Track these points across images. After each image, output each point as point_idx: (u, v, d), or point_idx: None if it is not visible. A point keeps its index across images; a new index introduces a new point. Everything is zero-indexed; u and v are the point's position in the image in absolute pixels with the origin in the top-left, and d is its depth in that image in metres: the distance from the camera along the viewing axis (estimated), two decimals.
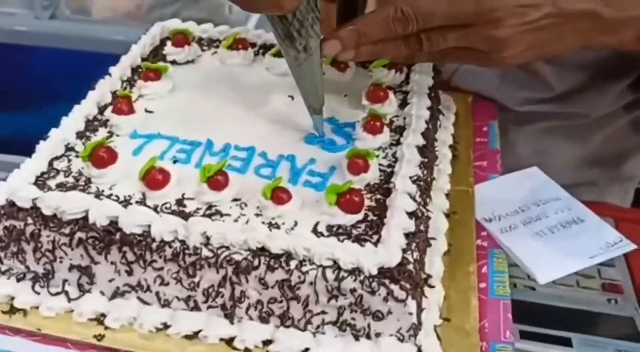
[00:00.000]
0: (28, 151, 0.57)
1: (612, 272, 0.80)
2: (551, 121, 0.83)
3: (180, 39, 0.70)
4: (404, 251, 0.47)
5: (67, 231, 0.49)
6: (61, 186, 0.52)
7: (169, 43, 0.71)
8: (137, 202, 0.51)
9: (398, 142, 0.59)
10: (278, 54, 0.69)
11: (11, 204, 0.50)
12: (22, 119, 1.60)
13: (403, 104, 0.64)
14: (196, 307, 0.50)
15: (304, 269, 0.46)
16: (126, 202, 0.51)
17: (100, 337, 0.50)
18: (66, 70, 1.51)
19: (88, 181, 0.53)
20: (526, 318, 0.74)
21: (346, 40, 0.56)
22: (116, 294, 0.51)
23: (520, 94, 0.81)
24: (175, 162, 0.56)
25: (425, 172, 0.56)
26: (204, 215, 0.50)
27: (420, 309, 0.49)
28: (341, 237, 0.48)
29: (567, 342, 0.70)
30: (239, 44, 0.70)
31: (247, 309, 0.49)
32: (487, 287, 0.55)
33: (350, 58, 0.58)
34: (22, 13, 1.55)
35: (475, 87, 0.80)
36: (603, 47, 0.64)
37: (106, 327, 0.50)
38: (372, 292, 0.46)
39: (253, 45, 0.72)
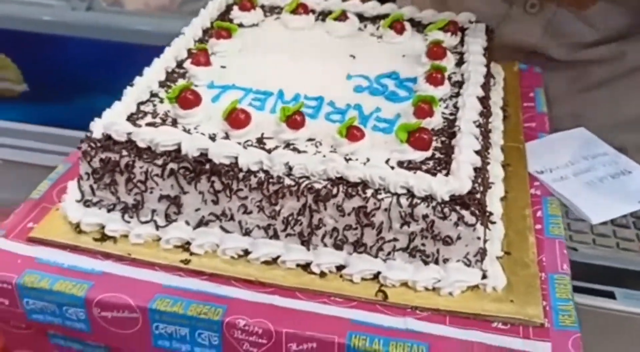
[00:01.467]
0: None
1: None
2: (591, 76, 0.84)
3: (246, 3, 0.75)
4: (473, 181, 0.51)
5: (160, 162, 0.53)
6: (151, 125, 0.56)
7: (235, 8, 0.75)
8: (222, 139, 0.55)
9: (457, 95, 0.62)
10: (338, 18, 0.73)
11: (107, 137, 0.55)
12: (59, 107, 1.65)
13: (460, 62, 0.68)
14: (275, 236, 0.54)
15: (379, 196, 0.50)
16: (213, 139, 0.55)
17: (186, 261, 0.54)
18: (101, 60, 1.56)
19: (174, 121, 0.57)
20: (571, 275, 0.77)
21: None
22: (201, 223, 0.55)
23: (562, 40, 0.83)
24: (252, 107, 0.60)
25: (484, 121, 0.60)
26: (283, 150, 0.54)
27: (485, 239, 0.52)
28: (412, 171, 0.52)
29: (610, 295, 0.74)
30: (300, 8, 0.75)
31: (323, 236, 0.53)
32: (543, 228, 0.59)
33: None
34: (59, 4, 1.60)
35: (519, 38, 0.82)
36: None
37: (191, 253, 0.55)
38: (444, 218, 0.49)
39: (313, 11, 0.77)
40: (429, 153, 0.54)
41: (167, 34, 0.72)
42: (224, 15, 0.76)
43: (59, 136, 1.34)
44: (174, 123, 0.57)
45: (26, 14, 1.54)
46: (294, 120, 0.55)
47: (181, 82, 0.63)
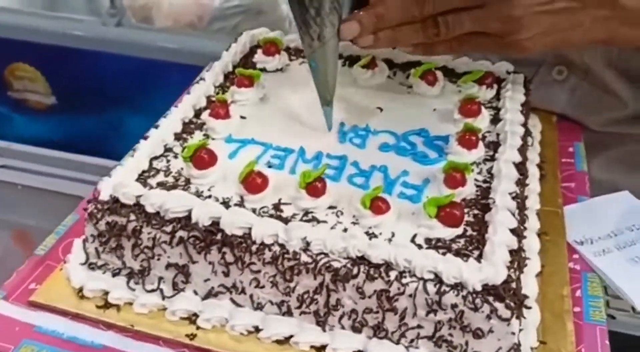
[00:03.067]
0: (91, 151, 0.58)
1: None
2: (625, 146, 0.81)
3: (270, 47, 0.71)
4: (508, 268, 0.46)
5: (169, 229, 0.50)
6: (162, 185, 0.53)
7: (259, 51, 0.72)
8: (235, 204, 0.51)
9: (492, 158, 0.58)
10: (366, 66, 0.69)
11: (115, 200, 0.51)
12: (86, 120, 1.65)
13: (495, 120, 0.63)
14: (289, 312, 0.50)
15: (404, 280, 0.46)
16: (226, 204, 0.51)
17: (192, 336, 0.50)
18: (128, 76, 1.55)
19: (187, 181, 0.54)
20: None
21: (364, 23, 0.56)
22: (210, 294, 0.51)
23: (593, 112, 0.79)
24: (270, 167, 0.56)
25: (521, 189, 0.55)
26: (301, 220, 0.50)
27: (520, 331, 0.47)
28: (441, 251, 0.48)
29: None
30: None
31: (341, 317, 0.49)
32: (582, 311, 0.53)
33: (370, 43, 0.58)
34: (90, 20, 1.60)
35: (545, 104, 0.78)
36: (628, 43, 0.62)
37: (198, 327, 0.51)
38: (475, 309, 0.45)
39: (341, 56, 0.73)
40: (459, 230, 0.49)
41: (195, 51, 0.70)
42: (248, 57, 0.73)
43: (82, 163, 1.32)
44: (187, 183, 0.54)
45: (57, 29, 1.55)
46: (315, 187, 0.51)
47: (198, 134, 0.60)
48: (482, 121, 0.62)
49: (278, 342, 0.50)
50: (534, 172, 0.66)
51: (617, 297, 0.58)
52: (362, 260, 0.47)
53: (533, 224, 0.59)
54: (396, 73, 0.71)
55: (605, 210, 0.64)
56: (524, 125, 0.62)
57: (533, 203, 0.62)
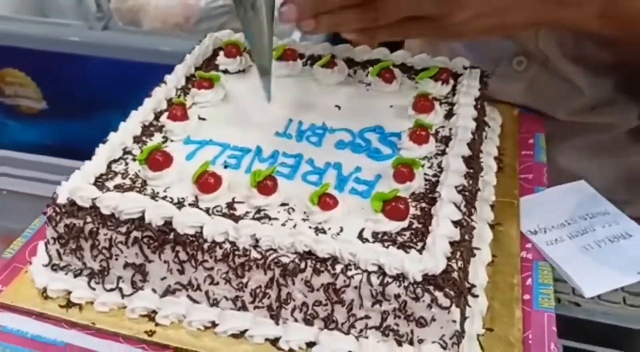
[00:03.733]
0: (80, 156, 0.60)
1: None
2: (589, 135, 0.82)
3: (232, 49, 0.73)
4: (449, 259, 0.48)
5: (123, 229, 0.51)
6: (119, 188, 0.55)
7: (221, 53, 0.73)
8: (190, 204, 0.53)
9: (444, 153, 0.59)
10: (326, 65, 0.71)
11: (72, 203, 0.53)
12: (74, 125, 1.67)
13: (449, 115, 0.65)
14: (243, 307, 0.52)
15: (349, 273, 0.48)
16: (180, 204, 0.53)
17: (151, 333, 0.52)
18: (117, 79, 1.57)
19: (144, 183, 0.55)
20: (570, 334, 0.73)
21: (303, 6, 0.58)
22: (167, 292, 0.53)
23: (553, 102, 0.80)
24: (226, 167, 0.58)
25: (470, 182, 0.56)
26: (253, 218, 0.52)
27: (463, 318, 0.49)
28: (386, 244, 0.49)
29: None
30: (288, 55, 0.72)
31: (293, 310, 0.50)
32: (532, 299, 0.55)
33: (311, 28, 0.59)
34: (77, 24, 1.61)
35: (506, 96, 0.79)
36: (561, 24, 0.64)
37: (157, 324, 0.52)
38: (416, 299, 0.46)
39: (301, 56, 0.74)
40: (405, 223, 0.51)
41: (182, 52, 0.72)
42: (210, 60, 0.74)
43: (64, 167, 1.33)
44: (144, 185, 0.55)
45: (45, 34, 1.56)
46: (265, 186, 0.53)
47: (157, 136, 0.61)
48: (436, 117, 0.63)
49: (234, 336, 0.51)
50: (490, 164, 0.67)
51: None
52: (309, 255, 0.49)
53: (486, 215, 0.61)
54: (356, 71, 0.72)
55: (561, 200, 0.66)
56: (477, 119, 0.64)
57: (488, 195, 0.63)
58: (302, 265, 0.48)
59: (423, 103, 0.63)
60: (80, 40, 1.56)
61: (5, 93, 1.71)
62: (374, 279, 0.47)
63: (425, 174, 0.57)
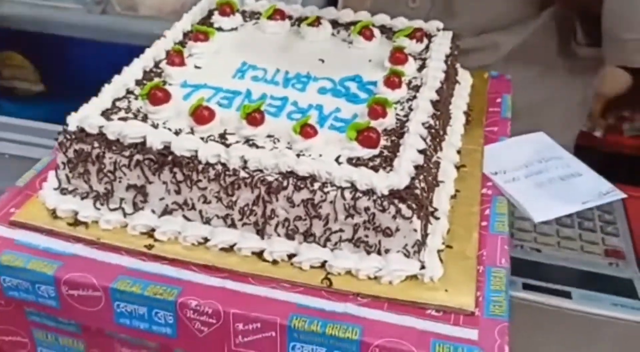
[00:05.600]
0: None
1: (615, 240, 0.87)
2: (473, 56, 0.87)
3: (226, 8, 0.79)
4: (412, 178, 0.54)
5: (127, 153, 0.58)
6: (122, 119, 0.61)
7: (216, 13, 0.80)
8: (186, 133, 0.59)
9: (414, 98, 0.66)
10: (312, 24, 0.78)
11: (81, 130, 0.59)
12: (71, 107, 1.72)
13: (421, 68, 0.72)
14: (232, 225, 0.58)
15: (325, 190, 0.54)
16: (177, 133, 0.59)
17: (150, 247, 0.58)
18: (115, 62, 1.62)
19: (145, 116, 0.62)
20: (531, 274, 0.81)
21: None
22: (165, 211, 0.59)
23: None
24: (219, 105, 0.64)
25: (437, 122, 0.63)
26: (242, 145, 0.58)
27: (425, 232, 0.56)
28: (359, 167, 0.56)
29: (567, 295, 0.77)
30: (277, 14, 0.79)
31: (276, 226, 0.57)
32: (488, 225, 0.62)
33: None
34: (75, 7, 1.65)
35: None
36: None
37: (155, 239, 0.59)
38: (383, 210, 0.53)
39: (290, 17, 0.81)
40: (376, 151, 0.58)
41: None
42: (206, 19, 0.81)
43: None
44: (145, 118, 0.62)
45: (43, 16, 1.60)
46: (254, 117, 0.59)
47: (157, 80, 0.68)
48: (409, 68, 0.70)
49: (224, 249, 0.58)
50: (459, 116, 0.75)
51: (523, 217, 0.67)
52: (291, 174, 0.55)
53: (452, 157, 0.68)
54: (339, 31, 0.79)
55: (521, 147, 0.73)
56: (447, 73, 0.71)
57: (455, 141, 0.71)
58: (285, 183, 0.55)
59: (398, 55, 0.70)
60: (78, 23, 1.61)
61: (2, 75, 1.75)
62: (347, 194, 0.54)
63: (397, 114, 0.64)
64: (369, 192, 0.54)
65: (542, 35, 0.88)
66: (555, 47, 0.86)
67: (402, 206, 0.53)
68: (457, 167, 0.68)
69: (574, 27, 0.83)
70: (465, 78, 0.82)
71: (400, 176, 0.54)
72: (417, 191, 0.54)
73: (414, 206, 0.53)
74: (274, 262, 0.57)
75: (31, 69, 1.71)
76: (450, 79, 0.72)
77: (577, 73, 0.90)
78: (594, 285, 0.79)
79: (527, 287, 0.77)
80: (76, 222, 0.60)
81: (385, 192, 0.53)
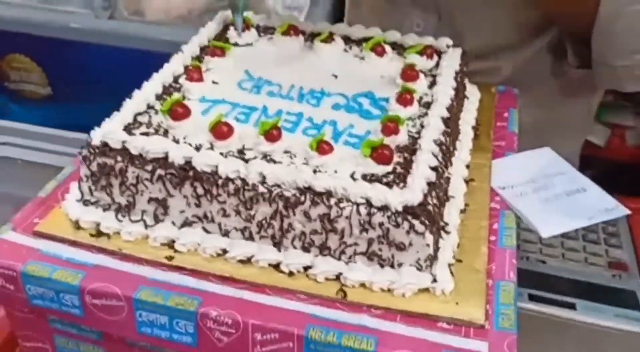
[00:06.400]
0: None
1: (618, 252, 0.89)
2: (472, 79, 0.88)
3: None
4: (425, 195, 0.56)
5: (149, 167, 0.60)
6: (144, 134, 0.63)
7: (231, 28, 0.82)
8: (206, 149, 0.62)
9: (426, 115, 0.68)
10: (325, 40, 0.80)
11: (104, 144, 0.61)
12: (78, 110, 1.74)
13: (432, 85, 0.74)
14: (250, 237, 0.60)
15: (341, 205, 0.56)
16: (197, 149, 0.61)
17: (170, 258, 0.60)
18: (122, 67, 1.64)
19: (165, 131, 0.64)
20: (536, 285, 0.83)
21: None
22: (185, 224, 0.62)
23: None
24: (237, 120, 0.66)
25: (447, 139, 0.65)
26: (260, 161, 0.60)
27: (436, 247, 0.58)
28: (373, 183, 0.58)
29: (571, 306, 0.79)
30: (291, 30, 0.81)
31: (293, 239, 0.59)
32: (497, 239, 0.64)
33: None
34: (84, 12, 1.68)
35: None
36: None
37: (175, 251, 0.61)
38: (397, 226, 0.55)
39: (303, 33, 0.83)
40: (390, 167, 0.60)
41: (185, 43, 0.80)
42: (222, 34, 0.83)
43: (73, 139, 1.42)
44: (166, 133, 0.64)
45: (52, 21, 1.63)
46: (271, 134, 0.62)
47: (176, 95, 0.70)
48: (420, 85, 0.72)
49: (241, 261, 0.60)
50: (467, 131, 0.77)
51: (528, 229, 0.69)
52: (308, 190, 0.57)
53: (462, 171, 0.70)
54: (352, 47, 0.81)
55: (527, 162, 0.75)
56: (456, 89, 0.73)
57: (464, 156, 0.73)
58: (302, 198, 0.57)
59: (409, 73, 0.72)
60: (86, 28, 1.63)
61: (10, 78, 1.78)
62: (362, 210, 0.56)
63: (409, 131, 0.66)
64: (384, 208, 0.56)
65: (545, 56, 0.91)
66: (558, 66, 0.88)
67: (416, 222, 0.55)
68: (466, 182, 0.70)
69: (565, 49, 0.86)
70: (473, 93, 0.84)
71: (413, 192, 0.56)
72: (430, 207, 0.56)
73: (426, 222, 0.55)
74: (290, 274, 0.59)
75: (39, 72, 1.74)
76: (459, 95, 0.75)
77: (583, 87, 0.92)
78: (598, 297, 0.81)
79: (532, 298, 0.79)
80: (98, 233, 0.62)
81: (400, 209, 0.55)
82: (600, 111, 1.65)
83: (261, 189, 0.58)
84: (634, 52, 0.75)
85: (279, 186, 0.58)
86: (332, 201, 0.57)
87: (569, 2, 0.77)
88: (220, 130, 0.62)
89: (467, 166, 0.72)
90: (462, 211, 0.66)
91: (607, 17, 0.73)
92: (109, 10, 1.68)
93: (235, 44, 0.80)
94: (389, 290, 0.57)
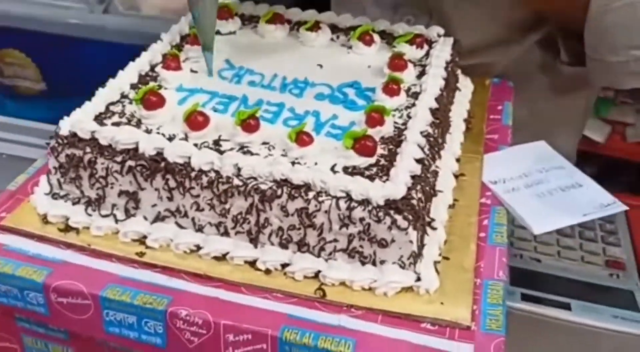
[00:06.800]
0: None
1: (616, 251, 0.85)
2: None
3: (224, 12, 0.78)
4: (409, 188, 0.53)
5: (119, 159, 0.57)
6: (116, 124, 0.60)
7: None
8: (180, 139, 0.58)
9: (413, 105, 0.65)
10: (311, 29, 0.77)
11: (73, 135, 0.58)
12: (72, 106, 1.71)
13: (421, 75, 0.70)
14: (225, 233, 0.57)
15: (320, 199, 0.53)
16: (170, 139, 0.58)
17: (141, 254, 0.57)
18: (116, 62, 1.61)
19: (139, 121, 0.61)
20: (530, 285, 0.80)
21: None
22: (157, 218, 0.58)
23: None
24: (215, 111, 0.63)
25: (435, 131, 0.62)
26: (236, 152, 0.57)
27: (421, 244, 0.55)
28: (354, 176, 0.55)
29: (566, 307, 0.76)
30: (276, 19, 0.78)
31: (270, 235, 0.56)
32: (487, 236, 0.61)
33: None
34: (78, 7, 1.65)
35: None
36: None
37: (147, 247, 0.58)
38: (379, 221, 0.52)
39: (289, 21, 0.80)
40: (373, 159, 0.57)
41: None
42: None
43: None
44: (139, 123, 0.61)
45: (45, 16, 1.60)
46: (249, 124, 0.58)
47: (152, 84, 0.67)
48: (408, 75, 0.69)
49: (216, 258, 0.57)
50: (459, 124, 0.74)
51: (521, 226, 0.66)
52: (285, 182, 0.54)
53: (452, 165, 0.67)
54: (339, 36, 0.78)
55: (521, 156, 0.72)
56: (447, 80, 0.70)
57: (454, 149, 0.69)
58: (279, 191, 0.54)
59: (397, 62, 0.69)
60: (81, 23, 1.60)
61: (4, 73, 1.75)
62: (342, 204, 0.53)
63: (395, 122, 0.62)
64: (364, 202, 0.52)
65: (539, 52, 0.87)
66: (552, 62, 0.85)
67: (398, 217, 0.52)
68: (456, 176, 0.67)
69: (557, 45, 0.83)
70: (466, 85, 0.81)
71: (396, 185, 0.52)
72: (414, 202, 0.53)
73: (410, 217, 0.52)
74: (267, 271, 0.56)
75: (33, 68, 1.71)
76: (450, 86, 0.71)
77: (578, 83, 0.89)
78: (593, 296, 0.77)
79: (525, 298, 0.76)
80: (67, 228, 0.59)
81: (381, 203, 0.52)
82: (600, 107, 1.63)
83: (236, 181, 0.55)
84: (629, 47, 0.72)
85: (254, 179, 0.55)
86: (311, 194, 0.53)
87: (559, 1, 0.74)
88: (195, 121, 0.59)
89: (458, 160, 0.69)
90: (451, 206, 0.63)
91: (598, 12, 0.71)
92: (103, 4, 1.65)
93: (218, 32, 0.77)
94: (370, 289, 0.54)
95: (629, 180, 1.64)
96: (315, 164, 0.56)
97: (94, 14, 1.61)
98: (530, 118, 0.85)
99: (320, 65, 0.73)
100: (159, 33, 1.43)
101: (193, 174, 0.55)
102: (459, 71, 0.79)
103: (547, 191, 0.65)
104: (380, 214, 0.52)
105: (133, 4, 1.78)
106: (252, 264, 0.56)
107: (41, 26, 1.60)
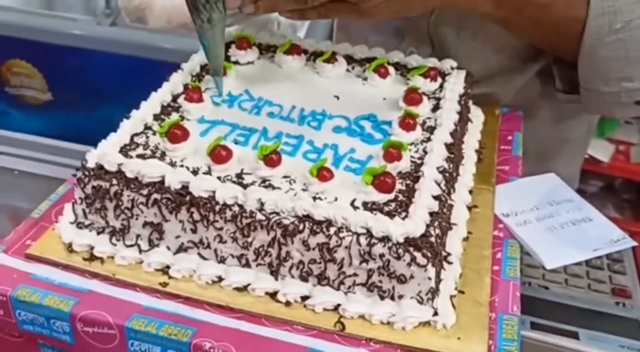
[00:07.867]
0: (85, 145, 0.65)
1: (622, 279, 0.87)
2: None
3: (243, 42, 0.80)
4: (428, 225, 0.55)
5: (145, 192, 0.58)
6: (141, 156, 0.62)
7: (233, 46, 0.81)
8: (204, 173, 0.60)
9: (429, 139, 0.67)
10: (328, 60, 0.78)
11: (99, 167, 0.60)
12: (78, 117, 1.73)
13: (435, 108, 0.72)
14: (247, 265, 0.59)
15: (341, 235, 0.55)
16: (195, 173, 0.60)
17: (164, 284, 0.59)
18: (122, 74, 1.63)
19: (163, 154, 0.62)
20: (538, 312, 0.81)
21: None
22: (180, 249, 0.60)
23: None
24: (236, 143, 0.65)
25: (450, 166, 0.64)
26: (258, 186, 0.59)
27: (438, 279, 0.56)
28: (374, 212, 0.56)
29: (574, 336, 0.77)
30: (293, 49, 0.80)
31: (290, 268, 0.58)
32: (500, 269, 0.63)
33: (252, 11, 0.70)
34: (85, 19, 1.67)
35: None
36: (459, 7, 0.74)
37: (170, 277, 0.59)
38: (398, 258, 0.54)
39: (305, 51, 0.82)
40: (392, 195, 0.58)
41: (187, 51, 0.79)
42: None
43: (71, 150, 1.41)
44: (163, 155, 0.62)
45: (54, 27, 1.63)
46: (271, 158, 0.60)
47: (174, 115, 0.69)
48: (423, 108, 0.71)
49: (237, 289, 0.58)
50: (471, 155, 0.75)
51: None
52: (307, 218, 0.56)
53: (465, 197, 0.69)
54: (354, 67, 0.80)
55: (532, 188, 0.73)
56: (460, 113, 0.71)
57: (467, 181, 0.71)
58: (301, 226, 0.55)
59: (413, 96, 0.71)
60: (88, 34, 1.62)
61: (11, 83, 1.77)
62: (363, 240, 0.54)
63: (411, 156, 0.64)
64: (385, 239, 0.54)
65: (541, 80, 0.89)
66: (552, 90, 0.87)
67: (417, 254, 0.53)
68: (469, 208, 0.68)
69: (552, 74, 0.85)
70: (477, 115, 0.83)
71: (415, 223, 0.54)
72: (432, 239, 0.54)
73: (429, 254, 0.53)
74: (287, 303, 0.57)
75: (39, 78, 1.74)
76: (463, 119, 0.73)
77: (580, 109, 0.91)
78: (601, 325, 0.79)
79: (535, 326, 0.77)
80: (92, 257, 0.61)
81: (401, 240, 0.54)
82: (604, 127, 1.65)
83: (259, 216, 0.56)
84: (621, 79, 0.74)
85: (277, 214, 0.56)
86: (332, 230, 0.55)
87: (551, 35, 0.77)
88: (219, 154, 0.61)
89: (470, 192, 0.71)
90: (465, 239, 0.65)
91: (591, 46, 0.73)
92: (110, 17, 1.67)
93: (236, 63, 0.79)
94: (388, 323, 0.56)
95: (632, 198, 1.65)
96: (336, 199, 0.58)
97: (101, 26, 1.64)
98: (534, 143, 0.87)
99: (337, 97, 0.74)
100: (165, 46, 1.45)
101: (217, 208, 0.57)
102: (470, 102, 0.81)
103: (559, 224, 0.67)
104: (400, 251, 0.54)
105: (140, 16, 1.81)
106: (273, 295, 0.58)
107: (48, 37, 1.63)
